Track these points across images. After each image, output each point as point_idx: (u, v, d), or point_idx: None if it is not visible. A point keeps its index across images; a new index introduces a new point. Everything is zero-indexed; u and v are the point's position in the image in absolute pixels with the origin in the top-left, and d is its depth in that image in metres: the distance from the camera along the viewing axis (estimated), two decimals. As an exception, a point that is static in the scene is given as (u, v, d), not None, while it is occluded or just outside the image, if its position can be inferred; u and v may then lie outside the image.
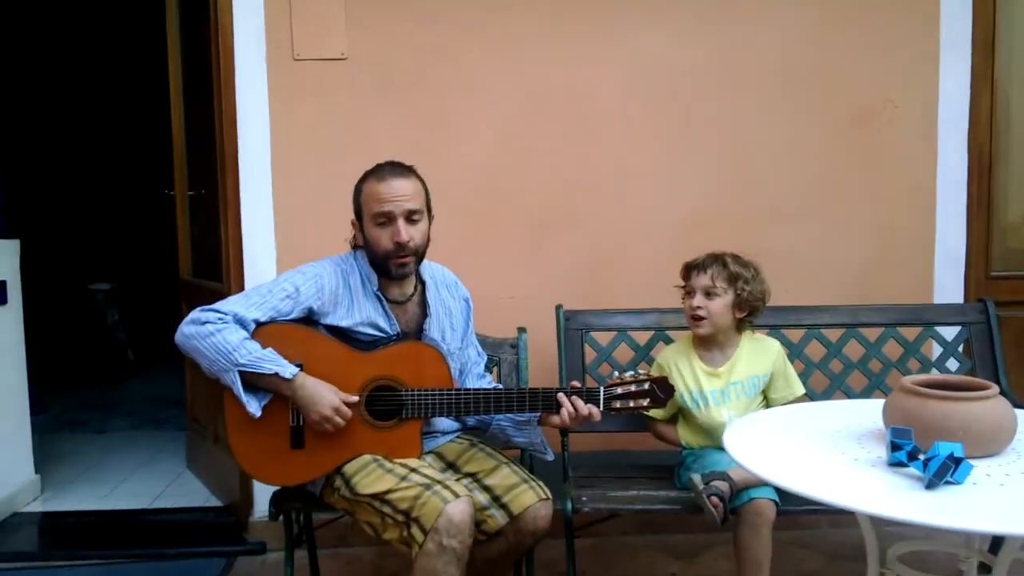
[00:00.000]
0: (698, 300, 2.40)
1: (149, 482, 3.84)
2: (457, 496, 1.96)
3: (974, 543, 1.69)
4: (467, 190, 3.03)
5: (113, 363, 6.27)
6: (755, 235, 3.10)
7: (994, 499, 1.33)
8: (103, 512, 3.49)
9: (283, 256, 3.02)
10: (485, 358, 2.53)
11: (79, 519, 3.43)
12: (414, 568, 1.96)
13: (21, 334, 3.56)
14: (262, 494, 3.02)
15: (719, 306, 2.39)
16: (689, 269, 2.45)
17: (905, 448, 1.43)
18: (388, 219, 2.15)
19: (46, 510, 3.52)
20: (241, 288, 2.94)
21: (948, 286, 3.25)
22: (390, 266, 2.18)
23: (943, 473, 1.35)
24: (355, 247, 2.29)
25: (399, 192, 2.15)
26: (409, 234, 2.15)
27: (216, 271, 3.33)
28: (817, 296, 2.98)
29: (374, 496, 2.03)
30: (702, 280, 2.40)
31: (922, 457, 1.39)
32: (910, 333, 2.85)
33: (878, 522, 1.74)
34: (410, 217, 2.16)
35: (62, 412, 5.21)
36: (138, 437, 4.65)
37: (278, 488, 2.34)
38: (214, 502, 3.54)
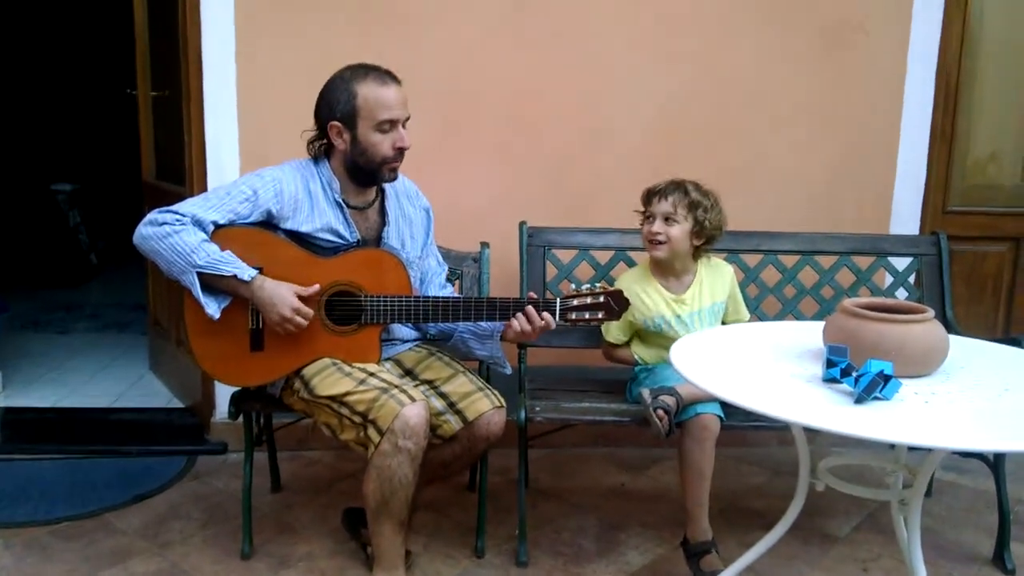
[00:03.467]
0: (658, 226, 2.43)
1: (111, 383, 3.86)
2: (413, 400, 2.02)
3: (900, 457, 1.78)
4: (433, 100, 2.98)
5: (75, 265, 6.20)
6: (718, 152, 3.14)
7: (918, 415, 1.40)
8: (65, 409, 3.53)
9: (247, 161, 2.98)
10: (446, 268, 2.56)
11: (41, 415, 3.46)
12: (369, 467, 2.03)
13: (-20, 231, 3.52)
14: (223, 396, 3.06)
15: (678, 232, 2.43)
16: (650, 194, 2.47)
17: (839, 365, 1.50)
18: (392, 125, 2.16)
19: (7, 405, 3.54)
20: (204, 190, 2.91)
21: (905, 217, 3.32)
22: (383, 171, 2.21)
23: (872, 389, 1.42)
24: (318, 154, 2.26)
25: (401, 97, 2.17)
26: (408, 139, 2.18)
27: (179, 174, 3.29)
28: (775, 215, 3.03)
29: (332, 398, 2.08)
30: (663, 206, 2.43)
31: (854, 374, 1.45)
32: (863, 262, 2.92)
33: (814, 437, 1.82)
34: (405, 124, 2.19)
35: (24, 313, 5.17)
36: (101, 340, 4.65)
37: (238, 389, 2.39)
38: (176, 404, 3.59)
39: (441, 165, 2.98)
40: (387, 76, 2.17)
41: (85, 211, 6.40)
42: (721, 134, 3.18)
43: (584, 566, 2.44)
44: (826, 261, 2.91)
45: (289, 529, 2.59)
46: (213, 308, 2.10)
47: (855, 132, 3.25)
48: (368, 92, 2.14)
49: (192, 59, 2.99)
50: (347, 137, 2.18)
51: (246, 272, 2.08)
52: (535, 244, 2.81)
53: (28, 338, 4.62)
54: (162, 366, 3.87)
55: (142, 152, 3.81)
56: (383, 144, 2.16)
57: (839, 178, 3.27)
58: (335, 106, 2.16)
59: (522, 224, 2.80)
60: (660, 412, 2.19)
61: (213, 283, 2.09)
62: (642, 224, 2.51)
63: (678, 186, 2.45)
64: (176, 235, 2.05)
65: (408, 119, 2.20)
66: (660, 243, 2.43)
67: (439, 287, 2.48)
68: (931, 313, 1.60)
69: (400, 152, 2.19)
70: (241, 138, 3.00)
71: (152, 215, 2.09)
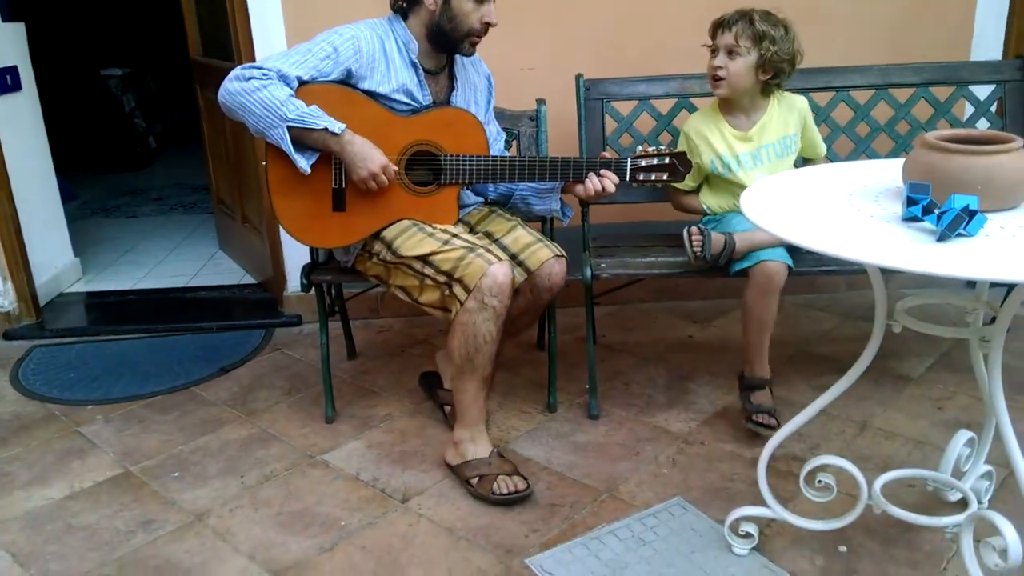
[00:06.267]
0: (719, 60, 2.32)
1: (184, 263, 3.98)
2: (500, 259, 2.04)
3: (982, 295, 1.72)
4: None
5: (135, 150, 6.30)
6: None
7: (1004, 250, 1.33)
8: (143, 290, 3.66)
9: (292, 30, 2.92)
10: (504, 136, 2.54)
11: (122, 297, 3.61)
12: (454, 324, 2.07)
13: (40, 120, 3.56)
14: (294, 270, 3.13)
15: (740, 66, 2.31)
16: (716, 26, 2.34)
17: (921, 203, 1.43)
18: None
19: (89, 290, 3.69)
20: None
21: (988, 40, 3.10)
22: (464, 44, 2.19)
23: (956, 225, 1.35)
24: (400, 9, 2.20)
25: None
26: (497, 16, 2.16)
27: (226, 49, 3.24)
28: (848, 52, 2.86)
29: (417, 258, 2.10)
30: (726, 38, 2.30)
31: (937, 211, 1.39)
32: (942, 93, 2.75)
33: (889, 278, 1.77)
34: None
35: (92, 199, 5.32)
36: (168, 221, 4.77)
37: (308, 263, 2.43)
38: (248, 280, 3.69)
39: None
40: None
41: (139, 95, 6.42)
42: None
43: (655, 415, 2.49)
44: (902, 95, 2.75)
45: (368, 393, 2.69)
46: (304, 163, 2.10)
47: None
48: None
49: (226, -75, 2.89)
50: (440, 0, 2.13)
51: (336, 125, 2.07)
52: (593, 97, 2.71)
53: (99, 224, 4.76)
54: (231, 244, 3.95)
55: (187, 30, 3.75)
56: (473, 15, 2.14)
57: (917, 4, 3.04)
58: None
59: (578, 77, 2.69)
60: (694, 229, 2.19)
61: (301, 138, 2.08)
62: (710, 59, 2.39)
63: (744, 16, 2.29)
64: (264, 89, 2.03)
65: None
66: (720, 79, 2.32)
67: (498, 153, 2.44)
68: (1019, 141, 1.50)
69: (486, 27, 2.16)
70: (284, 5, 2.91)
71: (237, 71, 2.07)
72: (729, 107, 2.43)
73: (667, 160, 2.24)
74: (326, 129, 2.06)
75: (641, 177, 2.26)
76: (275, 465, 2.30)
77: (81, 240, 4.04)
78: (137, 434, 2.49)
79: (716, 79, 2.34)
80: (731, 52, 2.30)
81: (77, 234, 3.91)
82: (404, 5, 2.20)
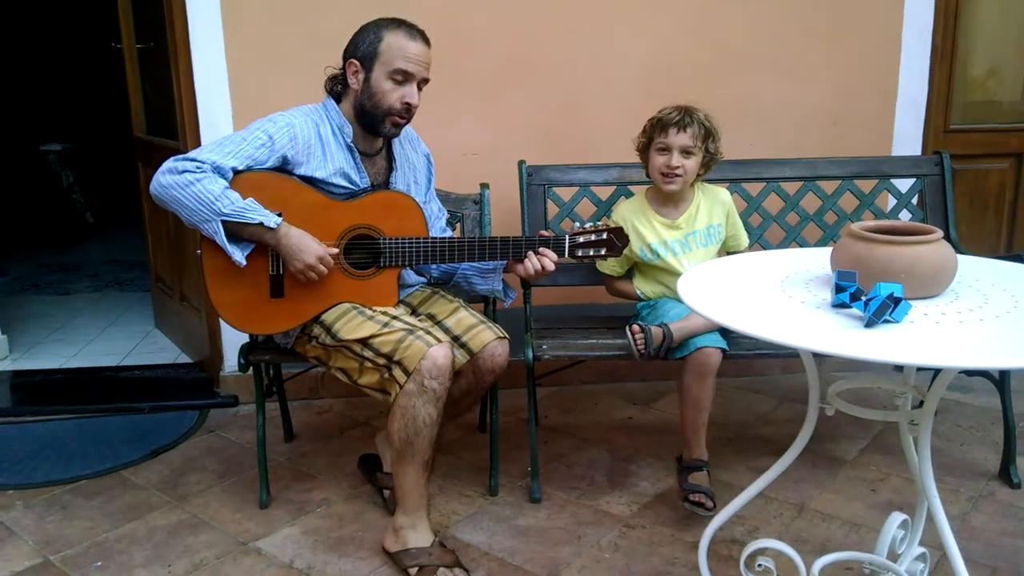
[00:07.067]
0: (676, 159, 2.38)
1: (118, 341, 3.88)
2: (439, 341, 2.04)
3: (909, 378, 1.78)
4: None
5: (71, 226, 6.18)
6: (716, 84, 3.09)
7: (928, 336, 1.39)
8: (74, 370, 3.55)
9: (239, 112, 2.94)
10: (446, 214, 2.56)
11: (49, 376, 3.48)
12: (394, 407, 2.04)
13: (-27, 195, 3.49)
14: (231, 349, 3.08)
15: (694, 164, 2.40)
16: (666, 126, 2.39)
17: (848, 290, 1.49)
18: (406, 79, 2.14)
19: (15, 368, 3.56)
20: (197, 145, 2.88)
21: (907, 138, 3.29)
22: (386, 123, 2.19)
23: (882, 312, 1.41)
24: (335, 93, 2.24)
25: (424, 57, 2.17)
26: (418, 99, 2.17)
27: (171, 128, 3.25)
28: (777, 146, 3.00)
29: (357, 341, 2.09)
30: (681, 139, 2.37)
31: (864, 298, 1.45)
32: (866, 185, 2.90)
33: (820, 362, 1.83)
34: (420, 84, 2.18)
35: (24, 275, 5.18)
36: (103, 299, 4.66)
37: (246, 342, 2.39)
38: (184, 359, 3.61)
39: (437, 108, 2.93)
40: (418, 33, 2.17)
41: (78, 170, 6.34)
42: (718, 67, 3.13)
43: (597, 498, 2.48)
44: (828, 186, 2.89)
45: (305, 477, 2.63)
46: (239, 256, 2.08)
47: (855, 55, 3.20)
48: (393, 40, 2.13)
49: (176, 7, 2.92)
50: (361, 78, 2.16)
51: (271, 219, 2.07)
52: (535, 183, 2.79)
53: (30, 300, 4.62)
54: (168, 322, 3.87)
55: (131, 107, 3.75)
56: (392, 94, 2.15)
57: (839, 103, 3.23)
58: (359, 45, 2.16)
59: (521, 163, 2.77)
60: (635, 327, 2.25)
61: (236, 231, 2.07)
62: (645, 155, 2.47)
63: (692, 116, 2.38)
64: (198, 183, 2.02)
65: (426, 82, 2.19)
66: (677, 176, 2.40)
67: (440, 231, 2.48)
68: (939, 233, 1.59)
69: (407, 108, 2.17)
70: (232, 87, 2.94)
71: (169, 163, 2.06)
72: (660, 199, 2.51)
73: (604, 235, 2.29)
74: (261, 224, 2.06)
75: (580, 253, 2.29)
76: (205, 553, 2.21)
77: (9, 317, 3.92)
78: (59, 521, 2.38)
79: (673, 176, 2.40)
80: (686, 152, 2.38)
81: (5, 311, 3.79)
82: (338, 88, 2.24)
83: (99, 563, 2.17)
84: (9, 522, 2.36)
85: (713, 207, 2.51)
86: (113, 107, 5.32)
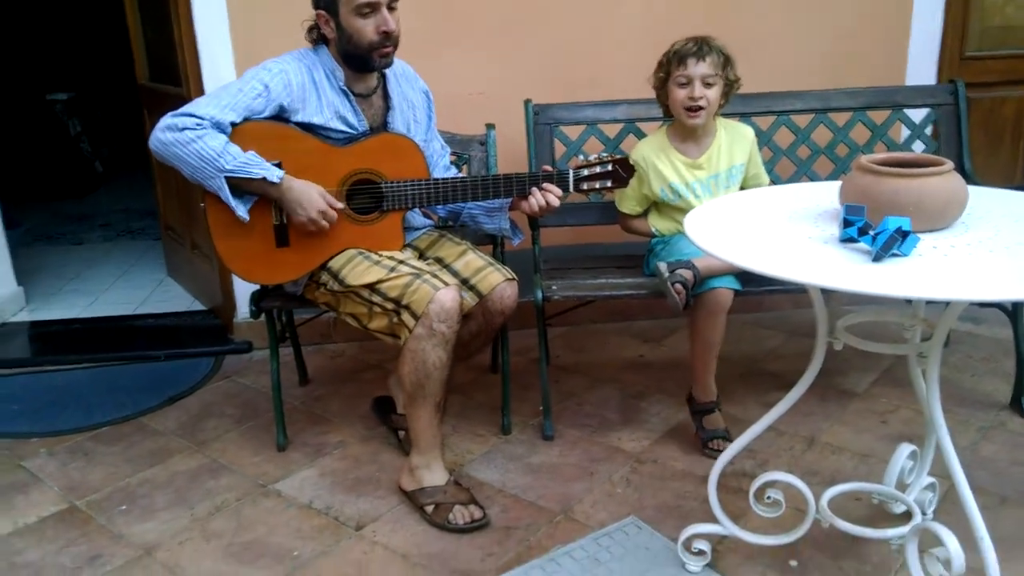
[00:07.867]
0: (699, 90, 2.32)
1: (131, 290, 3.91)
2: (446, 284, 2.04)
3: (918, 311, 1.78)
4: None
5: (81, 175, 6.18)
6: (726, 16, 3.02)
7: (937, 269, 1.38)
8: (89, 319, 3.59)
9: (241, 55, 2.91)
10: (449, 151, 2.54)
11: (67, 326, 3.52)
12: (404, 351, 2.06)
13: (-20, 147, 3.48)
14: (243, 296, 3.10)
15: (715, 94, 2.34)
16: (684, 57, 2.32)
17: (856, 224, 1.48)
18: (373, 9, 2.09)
19: (33, 319, 3.60)
20: (201, 91, 2.86)
21: (922, 68, 3.22)
22: (373, 57, 2.14)
23: (890, 246, 1.40)
24: (317, 41, 2.21)
25: None
26: (394, 22, 2.11)
27: (174, 75, 3.22)
28: (788, 76, 2.94)
29: (364, 286, 2.10)
30: (701, 68, 2.31)
31: (872, 232, 1.44)
32: (879, 116, 2.84)
33: (830, 296, 1.83)
34: (391, 5, 2.11)
35: (36, 226, 5.20)
36: (115, 248, 4.68)
37: (258, 289, 2.40)
38: (197, 306, 3.64)
39: (441, 48, 2.89)
40: None
41: (84, 119, 6.31)
42: (727, 2, 3.05)
43: (608, 435, 2.51)
44: (840, 118, 2.84)
45: (320, 420, 2.67)
46: (242, 211, 2.09)
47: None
48: None
49: (173, -49, 2.88)
50: (332, 24, 2.12)
51: (274, 174, 2.06)
52: (542, 122, 2.75)
53: (44, 251, 4.66)
54: (180, 271, 3.90)
55: (134, 55, 3.72)
56: (366, 29, 2.09)
57: (852, 31, 3.15)
58: None
59: (527, 102, 2.73)
60: (678, 287, 2.19)
61: (239, 185, 2.07)
62: (663, 89, 2.40)
63: (709, 45, 2.32)
64: (200, 140, 2.01)
65: (395, 1, 2.12)
66: (701, 108, 2.34)
67: (444, 169, 2.46)
68: (949, 165, 1.56)
69: (386, 35, 2.11)
70: (232, 31, 2.90)
71: (168, 120, 2.04)
72: (681, 135, 2.45)
73: (609, 167, 2.25)
74: (264, 179, 2.05)
75: (585, 187, 2.27)
76: (225, 495, 2.27)
77: (24, 268, 3.94)
78: (82, 467, 2.43)
79: (696, 109, 2.34)
80: (707, 82, 2.33)
81: (20, 262, 3.82)
82: (317, 38, 2.20)
83: (123, 507, 2.22)
84: (34, 469, 2.42)
85: (735, 144, 2.46)
86: (115, 54, 5.27)
